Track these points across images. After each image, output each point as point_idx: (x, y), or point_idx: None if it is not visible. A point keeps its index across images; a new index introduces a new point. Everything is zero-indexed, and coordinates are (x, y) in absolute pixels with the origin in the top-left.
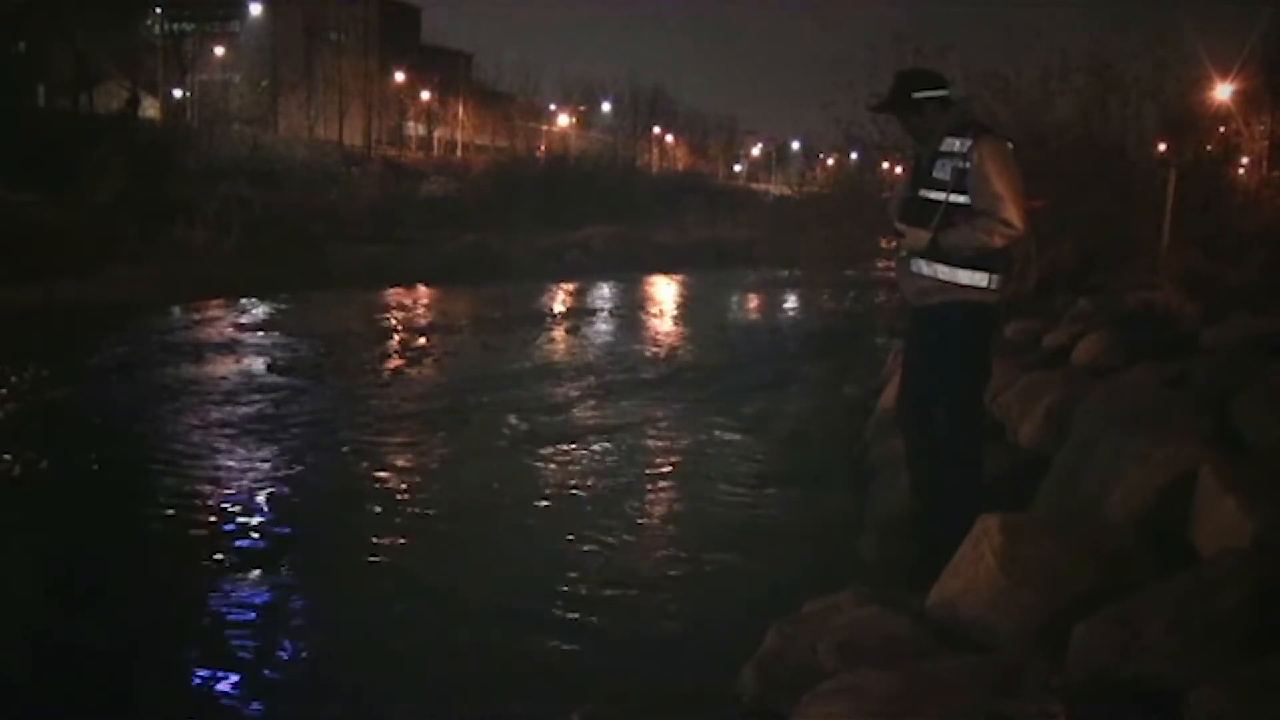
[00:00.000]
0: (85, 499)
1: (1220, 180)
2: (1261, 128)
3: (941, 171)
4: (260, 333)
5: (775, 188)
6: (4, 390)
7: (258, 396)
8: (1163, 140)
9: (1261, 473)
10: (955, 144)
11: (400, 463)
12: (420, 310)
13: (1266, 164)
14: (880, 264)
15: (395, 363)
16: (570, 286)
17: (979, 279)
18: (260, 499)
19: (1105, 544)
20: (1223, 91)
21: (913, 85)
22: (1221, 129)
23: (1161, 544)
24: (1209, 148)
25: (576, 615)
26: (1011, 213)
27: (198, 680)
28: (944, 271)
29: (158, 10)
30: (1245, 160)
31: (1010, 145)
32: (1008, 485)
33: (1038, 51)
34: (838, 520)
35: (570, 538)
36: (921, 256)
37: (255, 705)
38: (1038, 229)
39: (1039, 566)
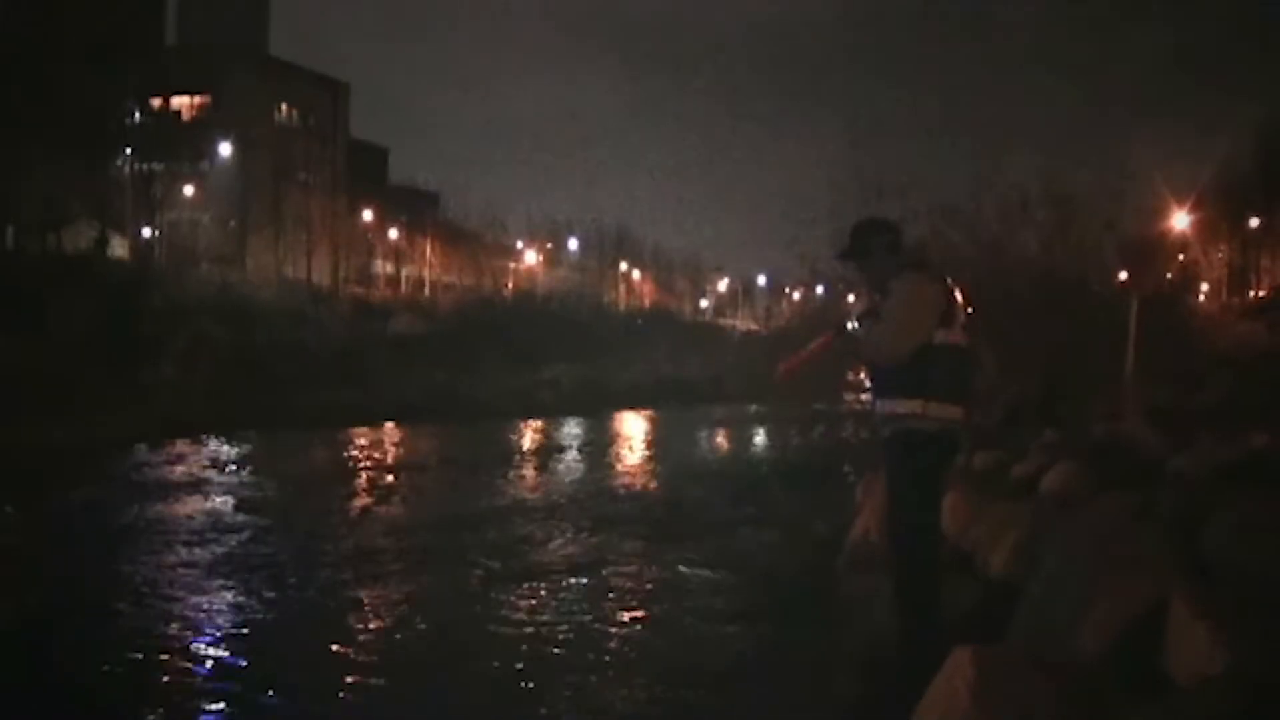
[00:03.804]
0: (48, 642)
1: (1181, 308)
2: (1220, 255)
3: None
4: (227, 472)
5: (742, 323)
6: None
7: (224, 537)
8: (1123, 270)
9: (1232, 601)
10: (894, 286)
11: (367, 605)
12: (388, 449)
13: (1226, 290)
14: (848, 398)
15: (363, 502)
16: (539, 424)
17: (913, 406)
18: (225, 642)
19: (1078, 675)
20: (1180, 221)
21: (863, 234)
22: (1180, 257)
23: (1134, 674)
24: (1169, 276)
25: None
26: (889, 335)
27: None
28: (886, 405)
29: (127, 150)
30: (1205, 287)
31: (942, 282)
32: (979, 616)
33: (998, 186)
34: (810, 657)
35: (538, 679)
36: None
37: None
38: (1002, 360)
39: (1012, 699)
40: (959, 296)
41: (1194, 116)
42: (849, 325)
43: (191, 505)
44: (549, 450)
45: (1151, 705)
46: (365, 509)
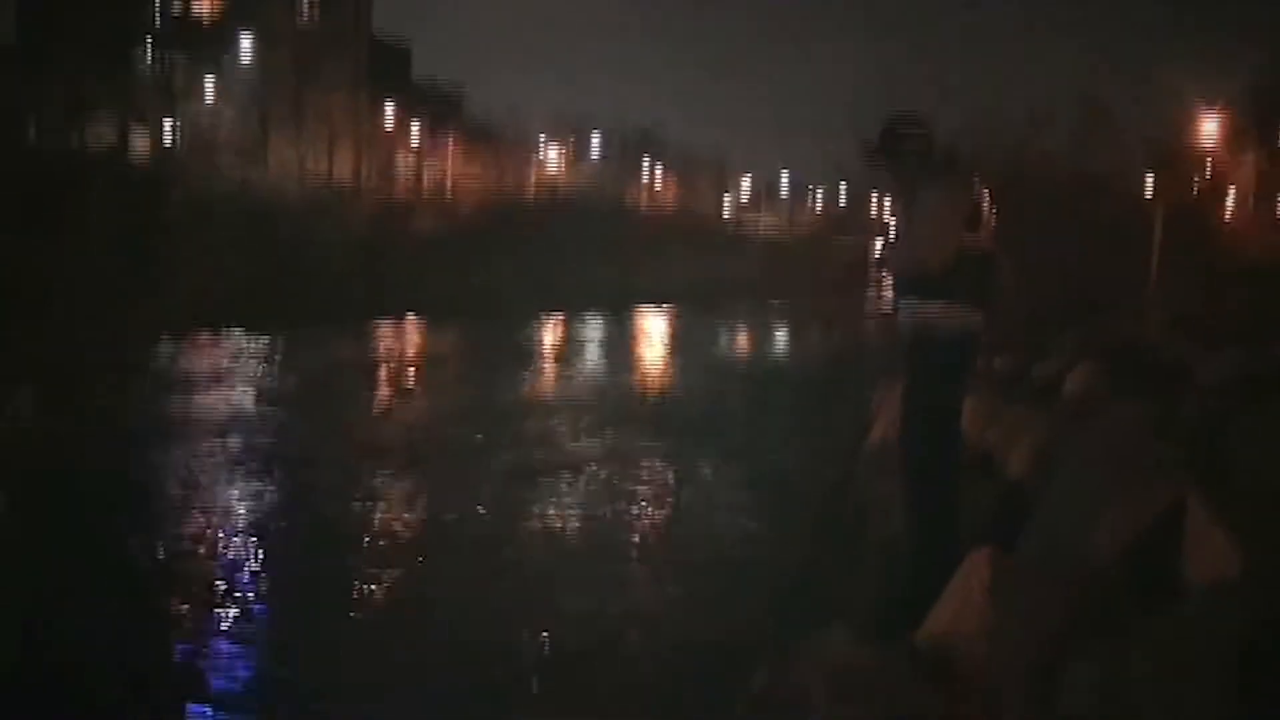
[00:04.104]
0: (74, 530)
1: (1207, 217)
2: (1249, 165)
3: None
4: (250, 365)
5: (766, 223)
6: None
7: (247, 429)
8: (1150, 176)
9: (1250, 505)
10: (921, 195)
11: (391, 497)
12: (410, 345)
13: (1254, 201)
14: (869, 297)
15: (384, 396)
16: (560, 321)
17: (935, 308)
18: (248, 532)
19: (1095, 578)
20: (1210, 128)
21: (893, 133)
22: (1208, 166)
23: (1150, 577)
24: (1196, 184)
25: (566, 649)
26: (919, 248)
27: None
28: (908, 307)
29: (148, 46)
30: (1233, 196)
31: (972, 183)
32: (997, 519)
33: (1030, 85)
34: (827, 557)
35: (559, 577)
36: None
37: None
38: (1027, 263)
39: (1028, 602)
40: (986, 198)
41: (1228, 18)
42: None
43: (214, 398)
44: (570, 347)
45: (1168, 608)
46: (386, 403)
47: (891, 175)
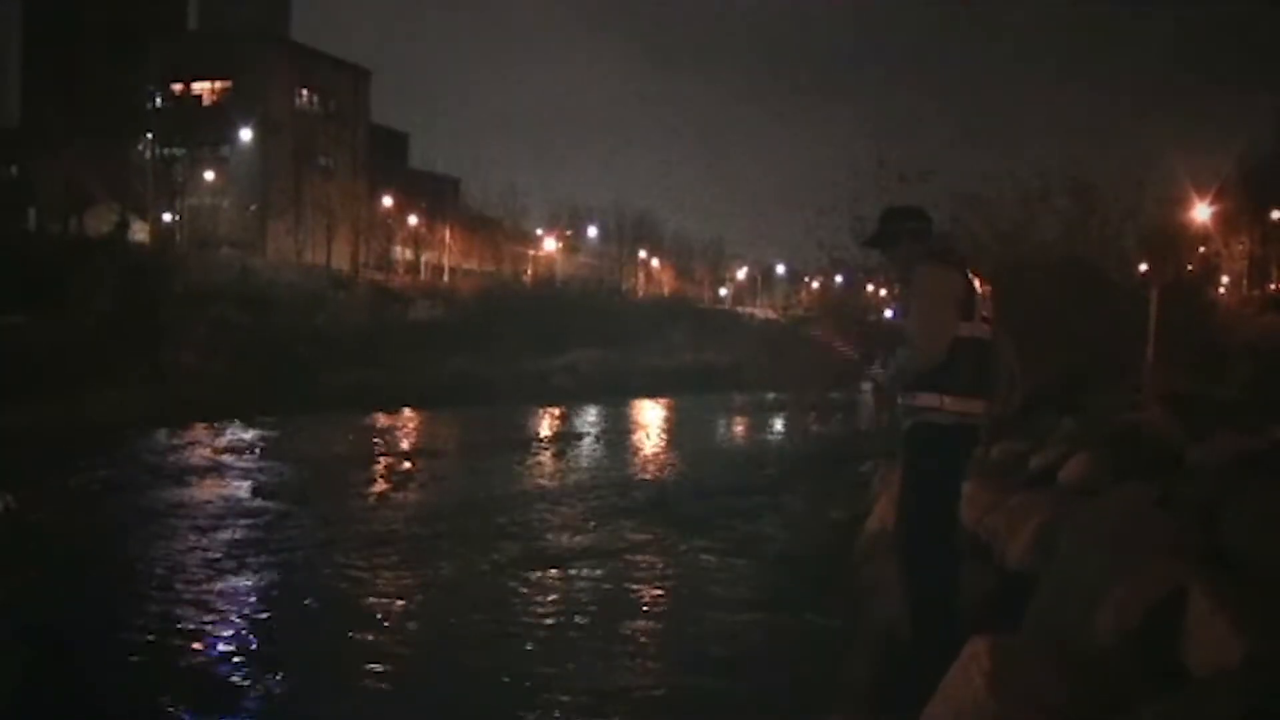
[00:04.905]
0: (69, 623)
1: (1202, 299)
2: (1240, 247)
3: (907, 301)
4: (246, 456)
5: (761, 311)
6: None
7: (243, 521)
8: (1144, 260)
9: (1250, 591)
10: (913, 280)
11: (387, 590)
12: (407, 434)
13: (1247, 283)
14: (866, 387)
15: (381, 487)
16: (556, 410)
17: (932, 399)
18: (245, 627)
19: (1095, 665)
20: (1201, 212)
21: (892, 220)
22: (1201, 249)
23: (1151, 663)
24: (1190, 268)
25: None
26: (918, 337)
27: None
28: (906, 397)
29: (149, 135)
30: (1225, 279)
31: (962, 272)
32: (996, 606)
33: (1020, 173)
34: (826, 643)
35: (553, 664)
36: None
37: None
38: (1022, 350)
39: (1029, 690)
40: (979, 287)
41: (1217, 107)
42: (875, 371)
43: (210, 490)
44: (566, 437)
45: (1168, 696)
46: (383, 494)
47: (889, 260)
